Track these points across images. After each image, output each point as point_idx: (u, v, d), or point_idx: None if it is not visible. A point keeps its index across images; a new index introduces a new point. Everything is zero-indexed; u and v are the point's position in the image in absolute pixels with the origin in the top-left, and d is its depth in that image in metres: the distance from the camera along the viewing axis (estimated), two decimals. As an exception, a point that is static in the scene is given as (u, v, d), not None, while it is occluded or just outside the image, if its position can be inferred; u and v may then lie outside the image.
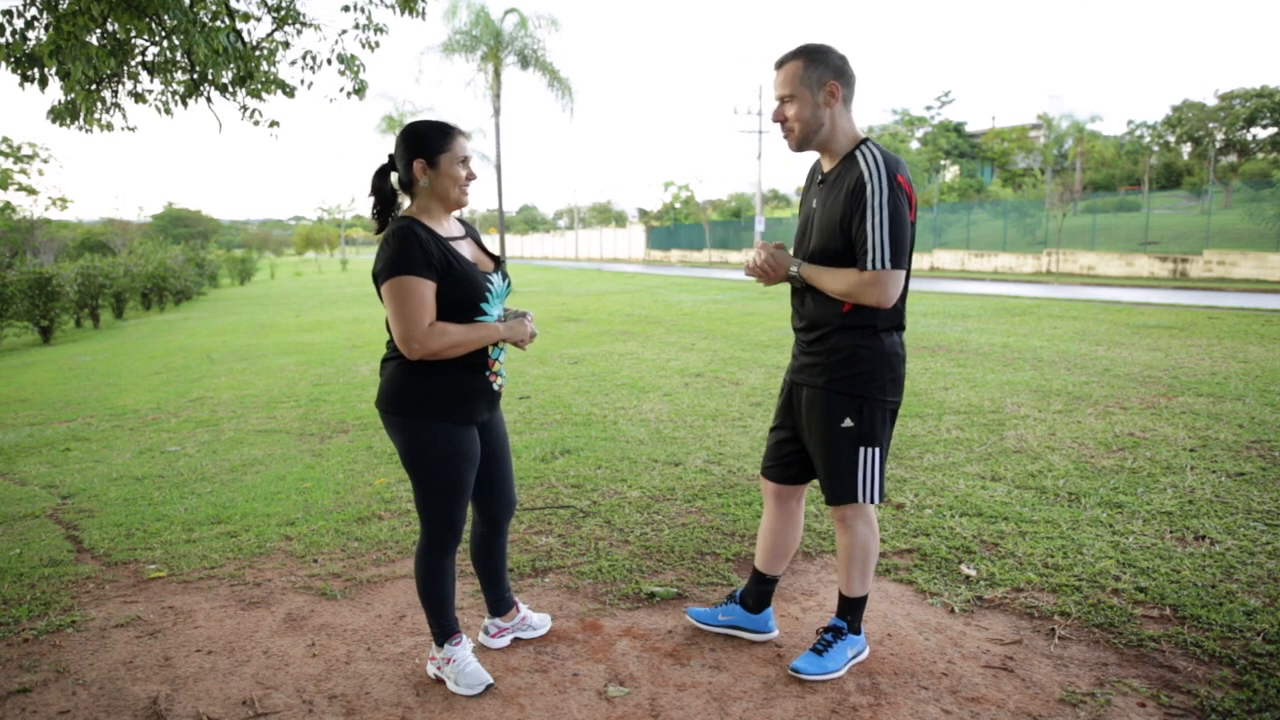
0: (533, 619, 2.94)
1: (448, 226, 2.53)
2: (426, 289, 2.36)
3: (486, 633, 2.88)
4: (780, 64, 2.52)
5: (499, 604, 2.87)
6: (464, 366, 2.48)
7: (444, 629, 2.61)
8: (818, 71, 2.47)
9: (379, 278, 2.39)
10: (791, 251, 2.70)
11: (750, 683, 2.61)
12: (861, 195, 2.39)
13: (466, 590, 3.28)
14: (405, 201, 2.57)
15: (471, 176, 2.51)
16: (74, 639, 3.02)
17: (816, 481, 2.71)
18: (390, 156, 2.52)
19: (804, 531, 3.81)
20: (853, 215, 2.42)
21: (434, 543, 2.56)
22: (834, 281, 2.48)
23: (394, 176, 2.54)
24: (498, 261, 2.65)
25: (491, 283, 2.51)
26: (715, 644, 2.85)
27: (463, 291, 2.43)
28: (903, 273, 2.44)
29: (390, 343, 2.51)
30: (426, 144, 2.46)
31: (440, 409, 2.46)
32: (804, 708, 2.45)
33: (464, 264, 2.45)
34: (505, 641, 2.87)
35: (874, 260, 2.39)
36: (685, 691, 2.56)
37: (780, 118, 2.53)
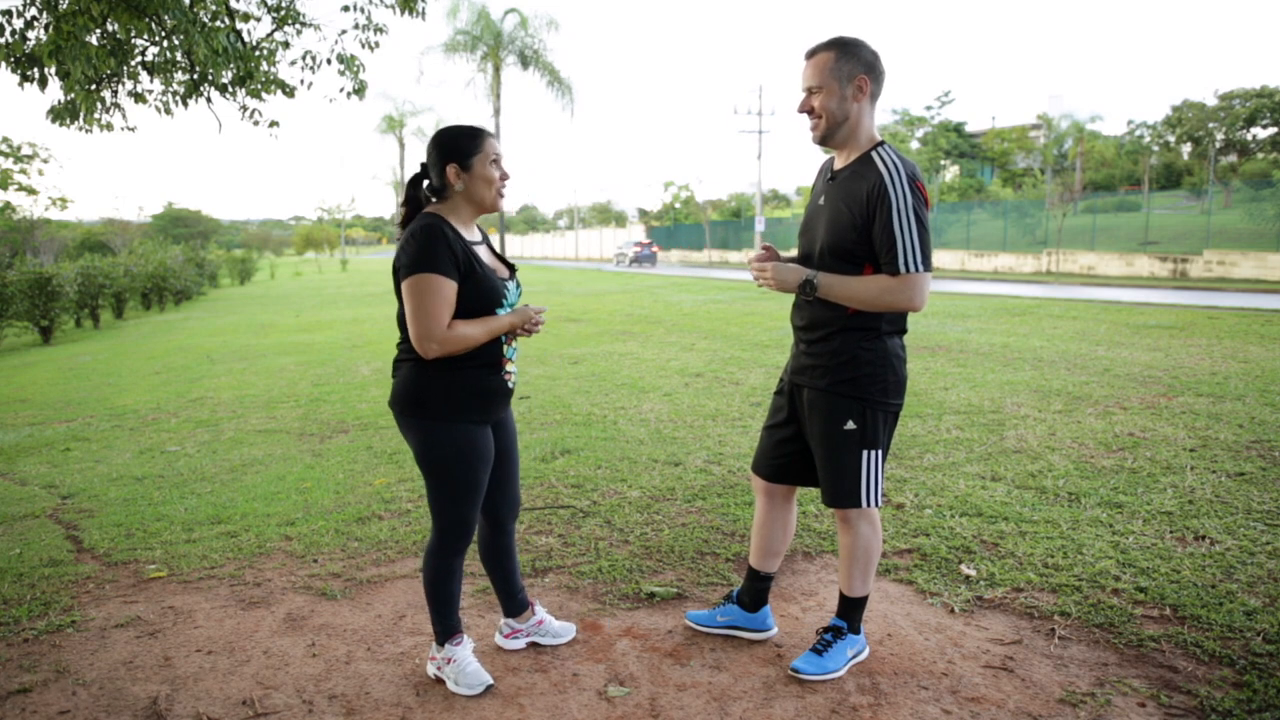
0: (554, 626, 2.88)
1: (470, 230, 2.53)
2: (449, 289, 2.36)
3: (500, 632, 2.88)
4: (811, 54, 2.50)
5: (511, 604, 2.85)
6: (480, 366, 2.48)
7: (447, 628, 2.61)
8: (849, 64, 2.45)
9: (401, 273, 2.38)
10: (796, 247, 2.68)
11: (750, 683, 2.61)
12: (885, 199, 2.37)
13: (467, 590, 3.28)
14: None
15: (505, 176, 2.51)
16: (74, 639, 3.02)
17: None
18: (422, 165, 2.51)
19: (804, 532, 3.82)
20: (874, 218, 2.39)
21: (445, 542, 2.56)
22: (862, 291, 2.43)
23: (425, 185, 2.53)
24: (512, 269, 2.66)
25: (508, 289, 2.53)
26: (715, 644, 2.85)
27: (481, 295, 2.43)
28: (931, 275, 2.42)
29: (402, 344, 2.50)
30: (458, 148, 2.45)
31: (458, 409, 2.46)
32: (804, 708, 2.45)
33: (484, 268, 2.46)
34: (519, 644, 2.84)
35: (905, 263, 2.37)
36: (685, 691, 2.56)
37: (807, 108, 2.51)
